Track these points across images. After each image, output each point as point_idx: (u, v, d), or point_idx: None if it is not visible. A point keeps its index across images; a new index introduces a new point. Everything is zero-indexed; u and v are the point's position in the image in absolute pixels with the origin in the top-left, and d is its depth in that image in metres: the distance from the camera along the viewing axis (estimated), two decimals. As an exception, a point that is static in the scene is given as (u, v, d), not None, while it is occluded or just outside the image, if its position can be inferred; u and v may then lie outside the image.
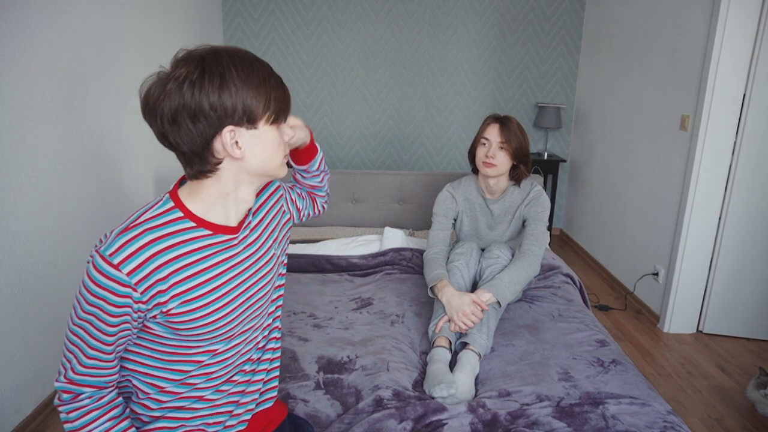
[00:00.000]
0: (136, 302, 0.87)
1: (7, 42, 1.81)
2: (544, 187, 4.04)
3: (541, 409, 1.46)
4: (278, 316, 1.15)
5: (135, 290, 0.86)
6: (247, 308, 1.01)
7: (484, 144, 2.00)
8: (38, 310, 2.01)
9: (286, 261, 1.16)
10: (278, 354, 1.18)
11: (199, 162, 0.89)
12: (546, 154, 4.10)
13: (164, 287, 0.88)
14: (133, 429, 0.96)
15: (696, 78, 2.67)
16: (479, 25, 4.04)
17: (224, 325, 0.97)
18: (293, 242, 2.63)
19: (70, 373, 0.91)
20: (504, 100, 4.20)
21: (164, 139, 0.88)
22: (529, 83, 4.17)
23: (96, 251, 0.85)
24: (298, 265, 2.40)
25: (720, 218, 2.72)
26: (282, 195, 1.15)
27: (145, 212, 0.91)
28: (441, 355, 1.68)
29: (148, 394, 0.99)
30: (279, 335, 1.17)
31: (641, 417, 1.43)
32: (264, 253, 1.05)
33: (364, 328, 1.89)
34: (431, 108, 4.19)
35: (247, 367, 1.08)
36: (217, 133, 0.87)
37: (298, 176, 1.27)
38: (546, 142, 4.21)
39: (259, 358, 1.11)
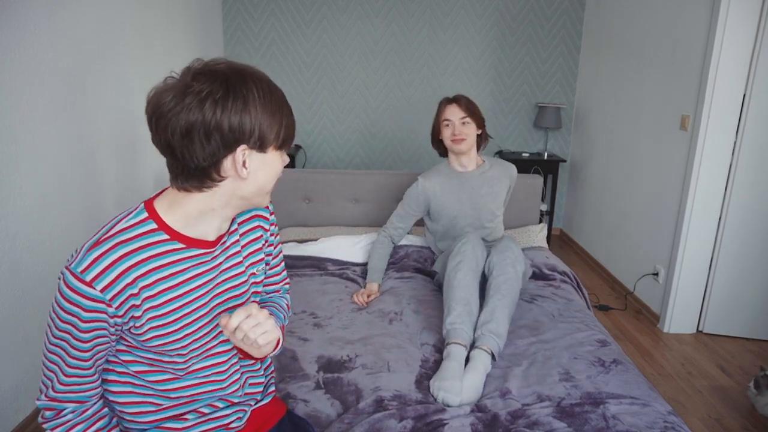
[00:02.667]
0: (112, 317, 0.86)
1: (6, 41, 1.81)
2: (544, 187, 4.05)
3: (541, 409, 1.46)
4: None
5: (110, 306, 0.85)
6: (216, 326, 1.00)
7: (447, 125, 2.21)
8: (38, 310, 2.00)
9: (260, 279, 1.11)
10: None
11: (199, 176, 0.88)
12: (546, 154, 4.10)
13: (138, 302, 0.88)
14: None
15: (696, 78, 2.67)
16: (479, 25, 4.04)
17: (197, 339, 0.96)
18: (293, 241, 2.62)
19: (51, 392, 0.91)
20: (504, 100, 4.20)
21: (169, 149, 0.86)
22: (529, 83, 4.17)
23: (67, 268, 0.84)
24: (300, 264, 2.40)
25: (720, 218, 2.72)
26: (264, 237, 1.10)
27: (116, 224, 0.89)
28: (458, 354, 1.63)
29: (134, 403, 0.98)
30: None
31: (642, 417, 1.43)
32: (240, 272, 1.03)
33: (363, 327, 1.89)
34: (431, 108, 4.17)
35: (237, 377, 1.07)
36: (230, 152, 0.86)
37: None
38: (546, 142, 4.21)
39: (249, 369, 1.10)
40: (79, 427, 0.93)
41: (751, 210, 2.67)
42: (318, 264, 2.41)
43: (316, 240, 2.61)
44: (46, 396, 0.92)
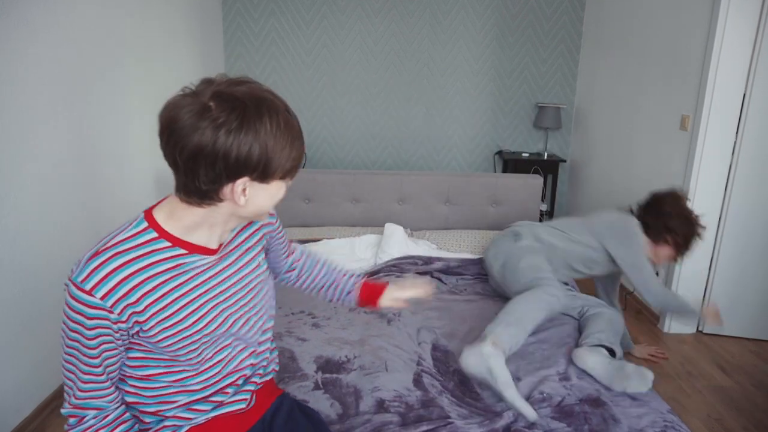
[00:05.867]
0: (115, 323, 0.88)
1: (7, 42, 1.81)
2: (544, 187, 4.04)
3: (540, 409, 1.46)
4: (271, 326, 1.17)
5: (111, 312, 0.87)
6: (231, 325, 1.02)
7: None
8: (38, 311, 2.01)
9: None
10: (276, 348, 1.19)
11: (200, 195, 0.89)
12: (546, 154, 4.10)
13: (139, 308, 0.90)
14: None
15: (696, 78, 2.67)
16: (479, 25, 4.04)
17: (208, 334, 0.98)
18: (295, 242, 2.62)
19: (73, 399, 0.94)
20: (504, 100, 4.20)
21: (174, 164, 0.87)
22: (529, 83, 4.17)
23: (69, 279, 0.87)
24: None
25: (720, 218, 2.72)
26: (267, 232, 1.14)
27: (116, 235, 0.91)
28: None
29: (148, 402, 1.01)
30: (272, 333, 1.18)
31: (641, 417, 1.43)
32: (246, 273, 1.05)
33: (362, 327, 1.89)
34: (431, 108, 4.19)
35: (247, 372, 1.09)
36: (231, 181, 0.86)
37: (311, 275, 1.32)
38: (546, 142, 4.21)
39: (256, 363, 1.12)
40: None
41: (751, 210, 2.67)
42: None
43: (319, 240, 2.61)
44: (69, 404, 0.95)
